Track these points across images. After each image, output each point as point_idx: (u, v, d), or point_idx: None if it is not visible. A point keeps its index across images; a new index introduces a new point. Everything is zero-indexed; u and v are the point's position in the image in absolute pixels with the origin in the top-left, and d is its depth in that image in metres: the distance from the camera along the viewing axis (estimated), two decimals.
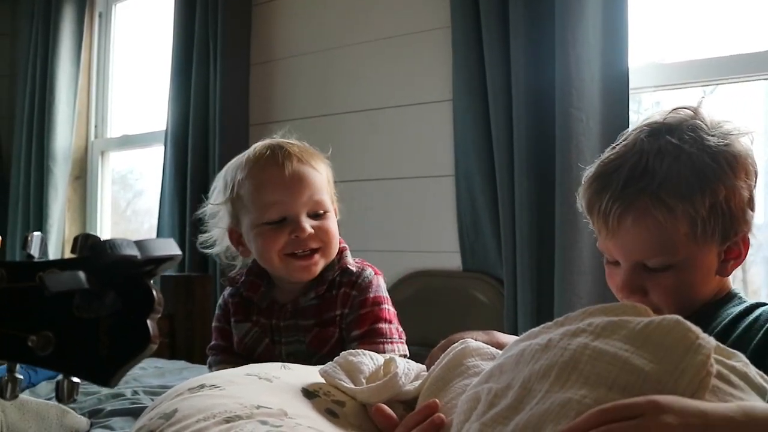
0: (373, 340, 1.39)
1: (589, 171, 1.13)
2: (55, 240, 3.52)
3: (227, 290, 1.54)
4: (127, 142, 3.67)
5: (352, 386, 0.97)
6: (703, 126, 1.06)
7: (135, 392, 1.65)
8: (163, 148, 3.05)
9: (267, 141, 1.49)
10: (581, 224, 1.90)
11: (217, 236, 1.51)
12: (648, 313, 0.80)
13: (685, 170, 1.02)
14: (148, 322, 0.51)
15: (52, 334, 0.52)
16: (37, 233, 0.55)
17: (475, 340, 1.01)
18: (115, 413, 1.49)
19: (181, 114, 2.94)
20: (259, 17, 2.87)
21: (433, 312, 2.26)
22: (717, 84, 2.03)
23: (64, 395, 0.52)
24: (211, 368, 1.49)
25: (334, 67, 2.65)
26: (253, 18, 2.88)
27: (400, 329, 1.47)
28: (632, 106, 2.17)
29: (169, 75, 3.02)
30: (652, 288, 1.05)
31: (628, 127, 1.90)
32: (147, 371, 1.90)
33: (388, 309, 1.45)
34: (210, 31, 2.84)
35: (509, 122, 2.05)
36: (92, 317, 0.51)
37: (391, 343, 1.41)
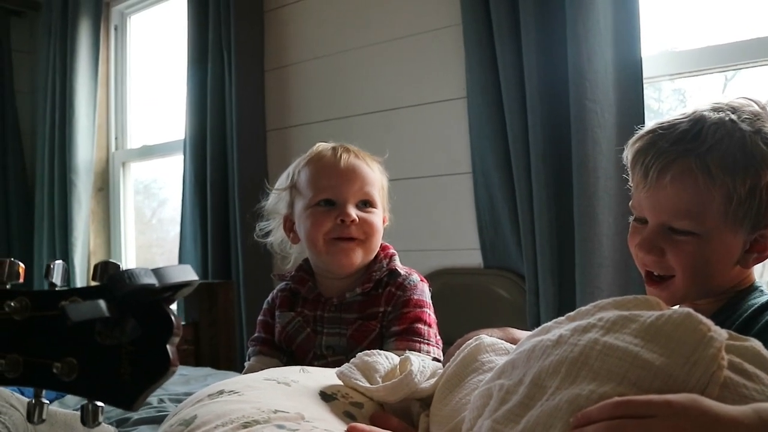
0: (411, 338, 1.43)
1: (643, 128, 1.14)
2: (81, 252, 3.57)
3: (278, 286, 1.63)
4: (148, 152, 3.71)
5: (368, 385, 0.98)
6: (766, 117, 1.06)
7: (161, 400, 1.67)
8: (182, 157, 3.09)
9: (330, 142, 1.60)
10: (600, 216, 1.90)
11: (273, 226, 1.63)
12: (660, 305, 0.80)
13: (736, 146, 1.02)
14: (168, 347, 0.52)
15: (76, 360, 0.53)
16: (59, 261, 0.57)
17: (490, 336, 1.02)
18: (141, 422, 1.51)
19: (199, 122, 2.97)
20: (271, 23, 2.89)
21: (456, 310, 2.26)
22: (734, 69, 2.01)
23: (89, 419, 0.54)
24: (249, 359, 1.57)
25: (347, 70, 2.67)
26: (265, 24, 2.90)
27: (438, 338, 1.51)
28: (653, 94, 2.16)
29: (185, 84, 3.05)
30: (670, 250, 1.05)
31: (643, 116, 1.90)
32: (172, 379, 1.92)
33: (430, 314, 1.49)
34: (223, 40, 2.86)
35: (524, 117, 2.05)
36: (114, 343, 0.53)
37: (428, 344, 1.45)
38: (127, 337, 0.52)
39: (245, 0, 2.84)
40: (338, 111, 2.68)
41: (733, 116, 1.04)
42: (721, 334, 0.72)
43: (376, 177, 1.55)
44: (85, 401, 0.54)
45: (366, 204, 1.52)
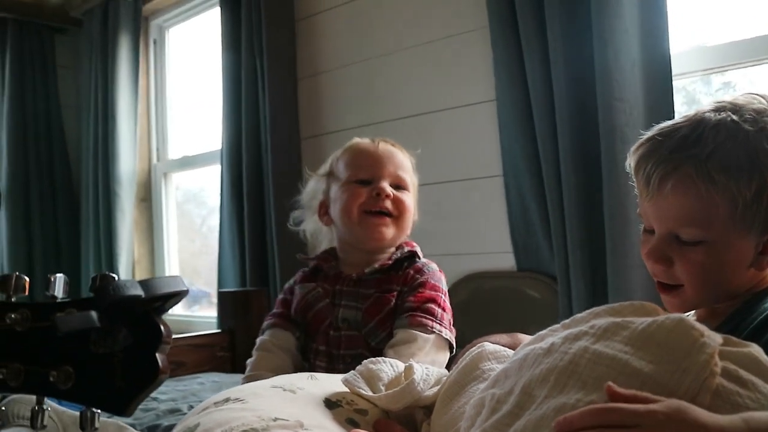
0: (424, 315, 1.48)
1: (644, 135, 1.11)
2: (125, 262, 3.65)
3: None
4: (188, 162, 3.78)
5: (371, 394, 0.99)
6: None
7: (191, 407, 1.70)
8: (219, 166, 3.14)
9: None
10: (631, 216, 1.87)
11: (308, 216, 1.73)
12: (656, 311, 0.79)
13: (739, 148, 0.98)
14: (158, 355, 0.54)
15: (72, 369, 0.56)
16: (59, 275, 0.60)
17: (498, 342, 1.02)
18: (172, 428, 1.54)
19: (234, 132, 3.02)
20: (303, 32, 2.93)
21: (490, 313, 2.27)
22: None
23: (87, 424, 0.56)
24: (263, 332, 1.63)
25: (378, 76, 2.68)
26: (297, 33, 2.93)
27: (452, 326, 1.55)
28: (702, 88, 2.12)
29: (221, 95, 3.10)
30: (678, 260, 1.03)
31: (673, 114, 1.87)
32: (205, 386, 1.95)
33: (445, 300, 1.55)
34: (256, 50, 2.90)
35: (552, 118, 2.04)
36: (107, 352, 0.55)
37: (440, 324, 1.49)
38: (119, 346, 0.54)
39: (277, 10, 2.87)
40: (370, 117, 2.70)
41: (735, 116, 1.01)
42: (714, 339, 0.70)
43: (409, 166, 1.65)
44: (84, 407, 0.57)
45: (399, 187, 1.59)
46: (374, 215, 1.56)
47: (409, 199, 1.61)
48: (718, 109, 1.04)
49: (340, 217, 1.60)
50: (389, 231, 1.57)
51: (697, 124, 1.03)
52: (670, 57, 1.87)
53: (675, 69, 1.89)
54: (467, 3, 2.38)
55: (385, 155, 1.62)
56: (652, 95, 1.89)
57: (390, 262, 1.55)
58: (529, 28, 2.08)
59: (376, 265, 1.55)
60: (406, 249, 1.59)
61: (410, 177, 1.64)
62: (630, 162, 1.11)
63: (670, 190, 1.01)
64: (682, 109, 1.90)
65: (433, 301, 1.50)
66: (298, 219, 1.74)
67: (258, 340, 1.61)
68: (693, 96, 2.17)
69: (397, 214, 1.57)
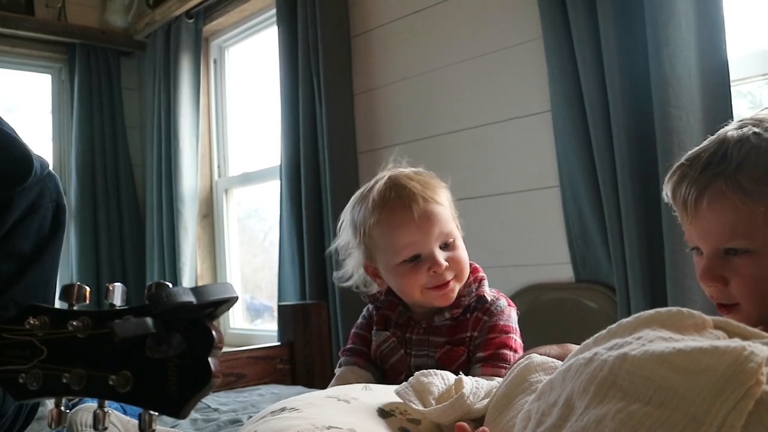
0: (496, 364, 1.43)
1: (674, 164, 1.14)
2: (188, 276, 3.74)
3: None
4: (248, 179, 3.86)
5: (421, 408, 1.00)
6: None
7: (251, 418, 1.73)
8: (279, 182, 3.19)
9: (387, 178, 1.53)
10: None
11: (352, 269, 1.61)
12: (703, 319, 0.78)
13: (764, 156, 1.01)
14: (210, 359, 0.57)
15: (130, 373, 0.59)
16: (118, 284, 0.63)
17: (548, 353, 1.02)
18: None
19: (293, 148, 3.07)
20: (358, 48, 2.97)
21: (548, 325, 2.25)
22: None
23: (146, 426, 0.59)
24: (340, 367, 1.58)
25: (432, 89, 2.70)
26: (352, 50, 2.97)
27: None
28: None
29: (279, 111, 3.16)
30: (731, 276, 1.03)
31: (732, 120, 1.83)
32: (264, 398, 1.99)
33: (515, 339, 1.49)
34: (313, 67, 2.95)
35: (608, 128, 2.02)
36: (162, 357, 0.57)
37: None
38: (173, 351, 0.57)
39: (332, 27, 2.92)
40: (425, 131, 2.71)
41: (757, 129, 1.03)
42: (762, 350, 0.69)
43: (447, 210, 1.51)
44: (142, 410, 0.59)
45: (448, 245, 1.50)
46: (437, 288, 1.49)
47: (462, 251, 1.50)
48: (740, 126, 1.07)
49: (400, 294, 1.54)
50: (454, 292, 1.50)
51: (720, 143, 1.06)
52: (727, 62, 1.83)
53: (735, 74, 1.85)
54: (520, 15, 2.38)
55: (425, 222, 1.46)
56: (709, 102, 1.86)
57: (459, 311, 1.49)
58: (583, 37, 2.07)
59: (447, 315, 1.49)
60: (474, 290, 1.51)
61: (452, 219, 1.51)
62: (666, 192, 1.14)
63: (706, 208, 1.03)
64: (748, 114, 1.86)
65: (505, 345, 1.45)
66: (344, 277, 1.63)
67: (337, 371, 1.57)
68: (759, 100, 2.12)
69: (456, 273, 1.49)
